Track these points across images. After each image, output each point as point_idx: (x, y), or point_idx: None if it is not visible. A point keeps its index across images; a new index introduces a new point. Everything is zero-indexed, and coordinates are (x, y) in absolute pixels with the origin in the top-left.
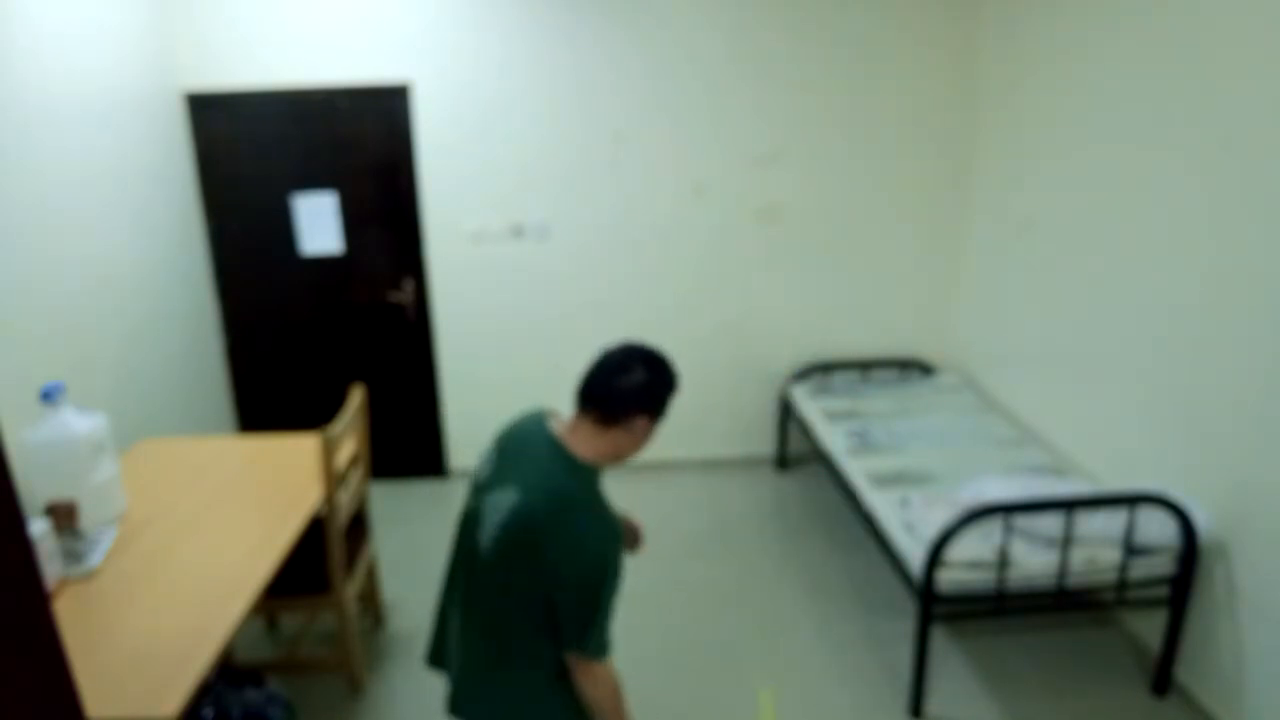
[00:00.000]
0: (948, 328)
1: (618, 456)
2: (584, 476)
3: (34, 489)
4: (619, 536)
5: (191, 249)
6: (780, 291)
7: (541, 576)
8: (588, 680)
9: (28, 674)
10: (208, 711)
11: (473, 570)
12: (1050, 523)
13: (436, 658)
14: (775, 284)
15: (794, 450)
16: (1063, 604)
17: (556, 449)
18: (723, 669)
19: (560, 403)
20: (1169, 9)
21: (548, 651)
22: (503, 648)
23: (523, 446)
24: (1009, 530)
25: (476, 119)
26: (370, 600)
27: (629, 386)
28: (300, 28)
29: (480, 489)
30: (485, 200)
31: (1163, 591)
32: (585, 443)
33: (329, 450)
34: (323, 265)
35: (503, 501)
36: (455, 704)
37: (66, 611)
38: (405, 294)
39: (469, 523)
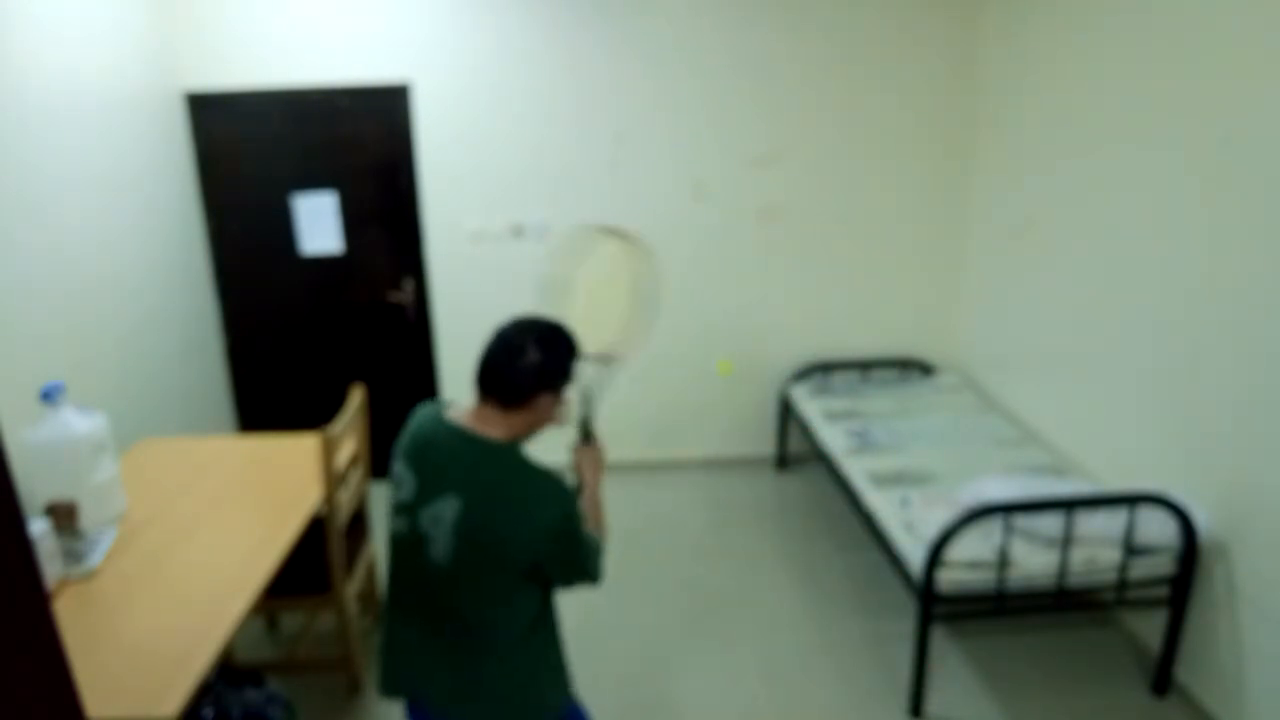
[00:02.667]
0: (948, 328)
1: (531, 432)
2: (507, 455)
3: (34, 489)
4: (562, 483)
5: (191, 249)
6: (780, 291)
7: (518, 554)
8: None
9: (28, 674)
10: (208, 711)
11: (433, 587)
12: (1050, 523)
13: (393, 685)
14: (775, 284)
15: (794, 450)
16: (1063, 604)
17: (469, 440)
18: (723, 669)
19: None
20: (1169, 10)
21: (525, 611)
22: (487, 638)
23: (437, 453)
24: (1009, 530)
25: (476, 119)
26: (370, 600)
27: (524, 369)
28: (300, 27)
29: (407, 507)
30: (485, 200)
31: (1163, 591)
32: (495, 427)
33: (329, 450)
34: (323, 265)
35: (444, 512)
36: (448, 715)
37: (66, 611)
38: (405, 294)
39: (408, 546)
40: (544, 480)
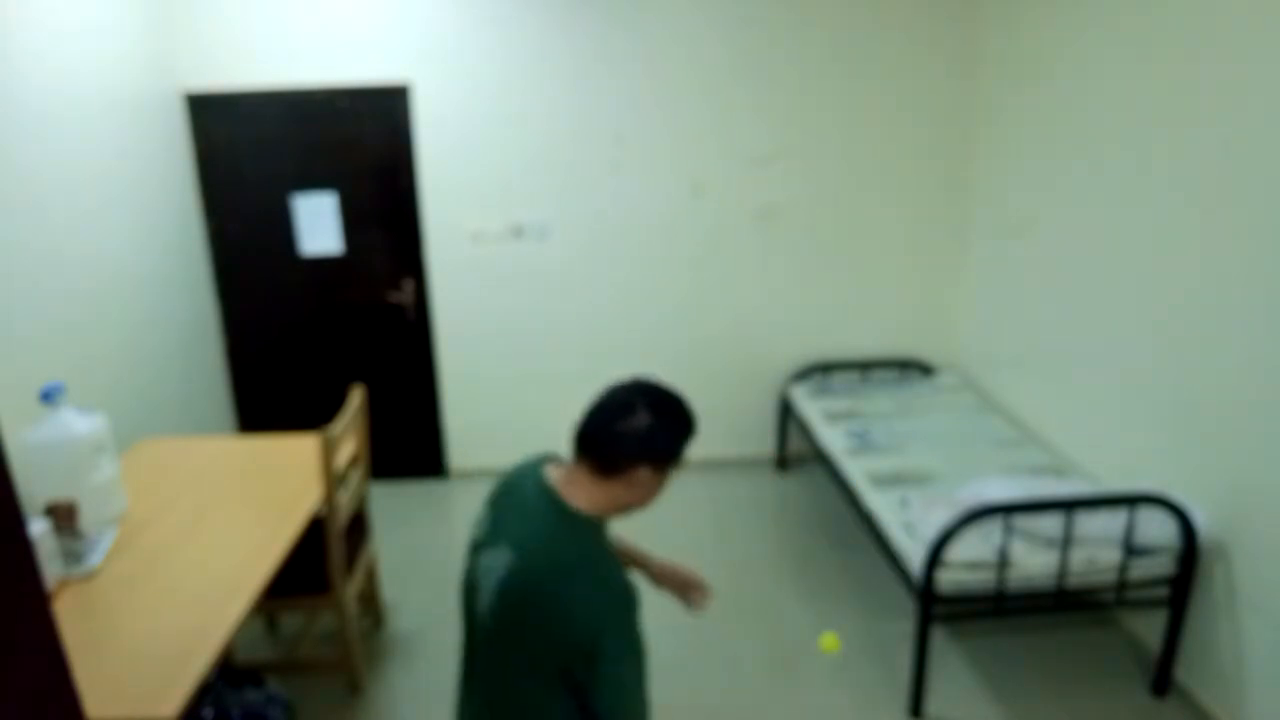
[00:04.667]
0: (948, 328)
1: (620, 509)
2: (581, 530)
3: (34, 489)
4: (627, 593)
5: (191, 249)
6: (780, 291)
7: (552, 646)
8: None
9: (28, 674)
10: (208, 711)
11: (476, 643)
12: (1050, 523)
13: None
14: (775, 284)
15: (794, 450)
16: (1063, 604)
17: (550, 499)
18: (723, 669)
19: (560, 403)
20: (1169, 10)
21: (559, 710)
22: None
23: (515, 499)
24: (1009, 531)
25: (476, 119)
26: (370, 600)
27: (629, 432)
28: (300, 28)
29: (476, 548)
30: (485, 200)
31: (1163, 592)
32: (582, 493)
33: (329, 450)
34: (323, 265)
35: (496, 562)
36: None
37: (66, 611)
38: (405, 294)
39: (469, 589)
40: (604, 575)
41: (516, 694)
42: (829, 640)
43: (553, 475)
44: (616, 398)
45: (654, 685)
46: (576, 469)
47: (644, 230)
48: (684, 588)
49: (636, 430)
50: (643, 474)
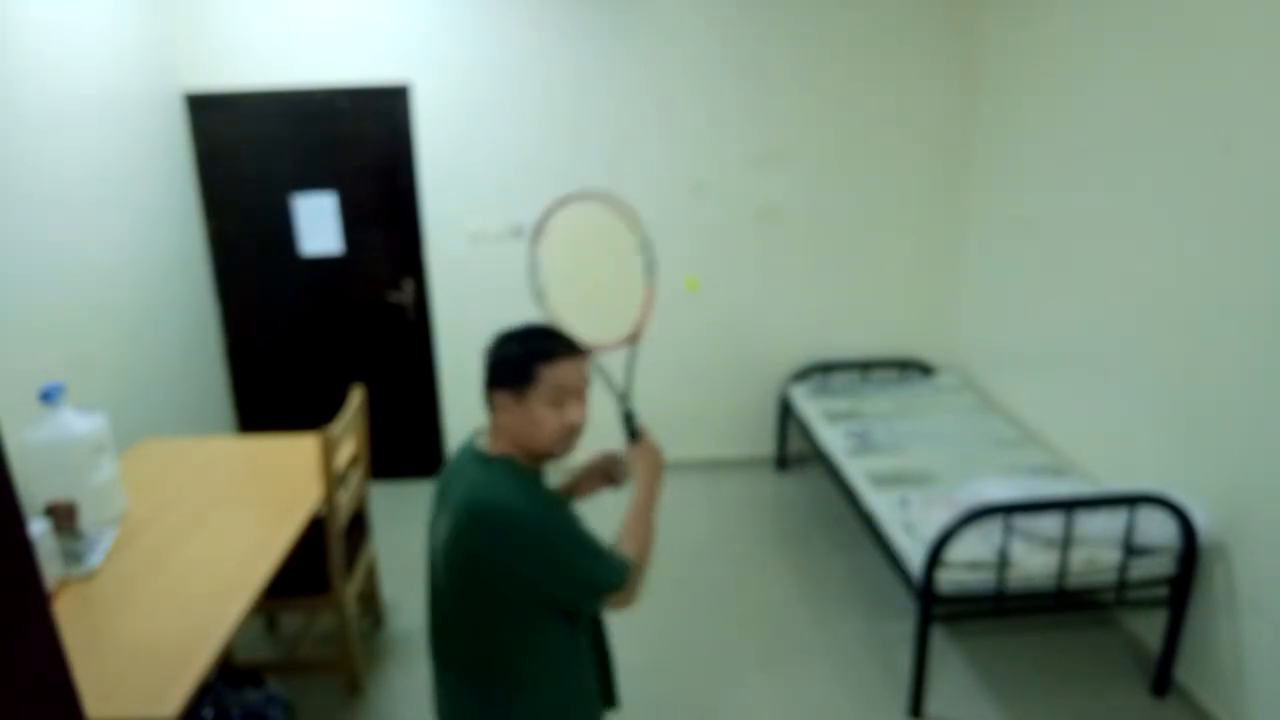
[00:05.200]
0: (948, 328)
1: (519, 443)
2: (496, 469)
3: (34, 489)
4: (545, 501)
5: (191, 249)
6: (780, 291)
7: (514, 583)
8: (625, 599)
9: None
10: (208, 711)
11: (435, 620)
12: (1050, 523)
13: None
14: (775, 284)
15: (794, 450)
16: (1063, 604)
17: (472, 456)
18: (722, 669)
19: None
20: (1169, 9)
21: (535, 652)
22: (488, 688)
23: (452, 472)
24: (1009, 531)
25: (476, 119)
26: (370, 600)
27: (488, 361)
28: (300, 28)
29: (429, 528)
30: (485, 200)
31: (1163, 592)
32: (491, 438)
33: (329, 450)
34: (323, 265)
35: (441, 531)
36: None
37: (66, 611)
38: (405, 294)
39: (427, 569)
40: (523, 495)
41: (492, 657)
42: (690, 281)
43: (479, 436)
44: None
45: (652, 685)
46: (489, 423)
47: (644, 230)
48: (603, 472)
49: (491, 356)
50: (501, 398)
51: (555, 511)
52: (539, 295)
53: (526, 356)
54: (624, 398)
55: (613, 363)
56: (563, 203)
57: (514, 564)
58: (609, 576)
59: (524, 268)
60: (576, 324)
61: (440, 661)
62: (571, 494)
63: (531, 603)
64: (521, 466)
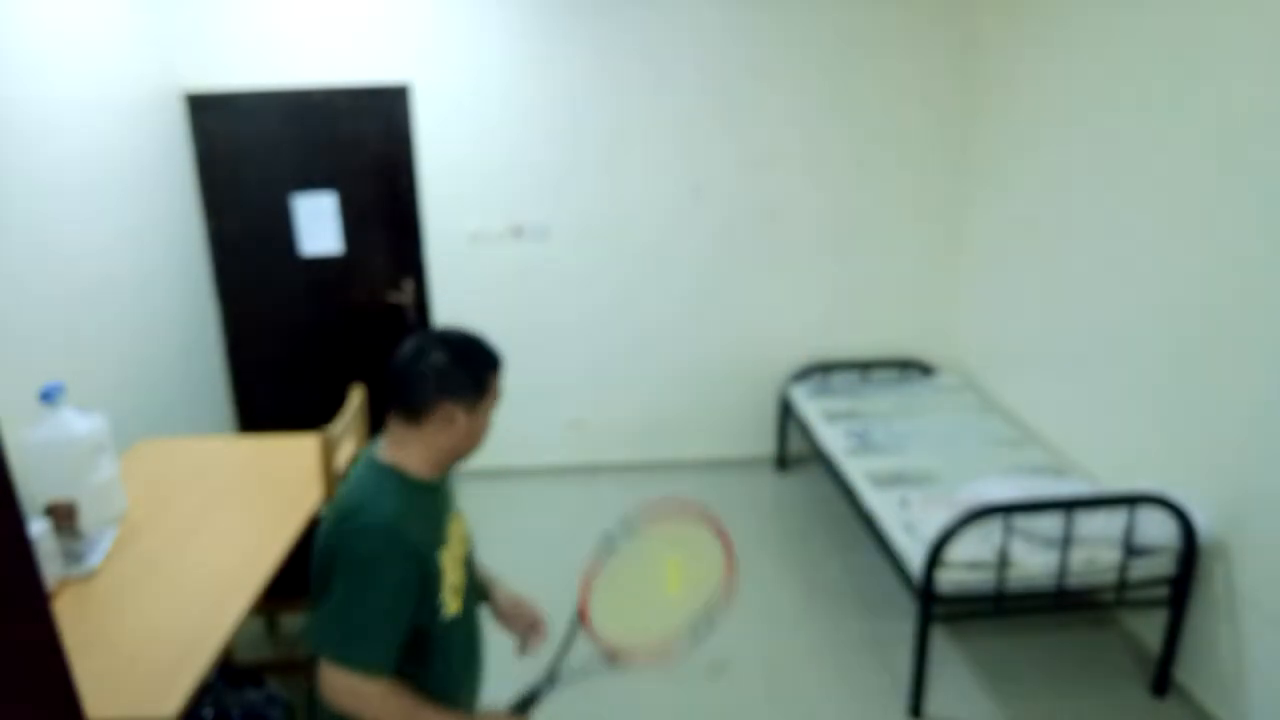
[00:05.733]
0: (948, 328)
1: (445, 455)
2: (376, 477)
3: (34, 489)
4: (397, 542)
5: (191, 249)
6: (780, 292)
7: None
8: (334, 691)
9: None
10: (208, 711)
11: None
12: (1050, 523)
13: None
14: (775, 284)
15: (794, 450)
16: (1062, 604)
17: (367, 460)
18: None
19: (557, 402)
20: (1170, 13)
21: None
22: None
23: (353, 464)
24: (1009, 530)
25: (476, 119)
26: None
27: (426, 371)
28: (300, 28)
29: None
30: (485, 200)
31: (1162, 592)
32: (403, 449)
33: (329, 450)
34: (323, 266)
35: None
36: None
37: (66, 611)
38: (405, 294)
39: None
40: (381, 509)
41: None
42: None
43: (380, 443)
44: (411, 344)
45: (652, 685)
46: (394, 428)
47: (644, 230)
48: (525, 629)
49: (434, 367)
50: (449, 411)
51: (398, 546)
52: (609, 544)
53: (479, 367)
54: (552, 680)
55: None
56: (703, 519)
57: (328, 565)
58: (360, 653)
59: (530, 271)
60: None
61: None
62: (485, 596)
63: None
64: (413, 483)
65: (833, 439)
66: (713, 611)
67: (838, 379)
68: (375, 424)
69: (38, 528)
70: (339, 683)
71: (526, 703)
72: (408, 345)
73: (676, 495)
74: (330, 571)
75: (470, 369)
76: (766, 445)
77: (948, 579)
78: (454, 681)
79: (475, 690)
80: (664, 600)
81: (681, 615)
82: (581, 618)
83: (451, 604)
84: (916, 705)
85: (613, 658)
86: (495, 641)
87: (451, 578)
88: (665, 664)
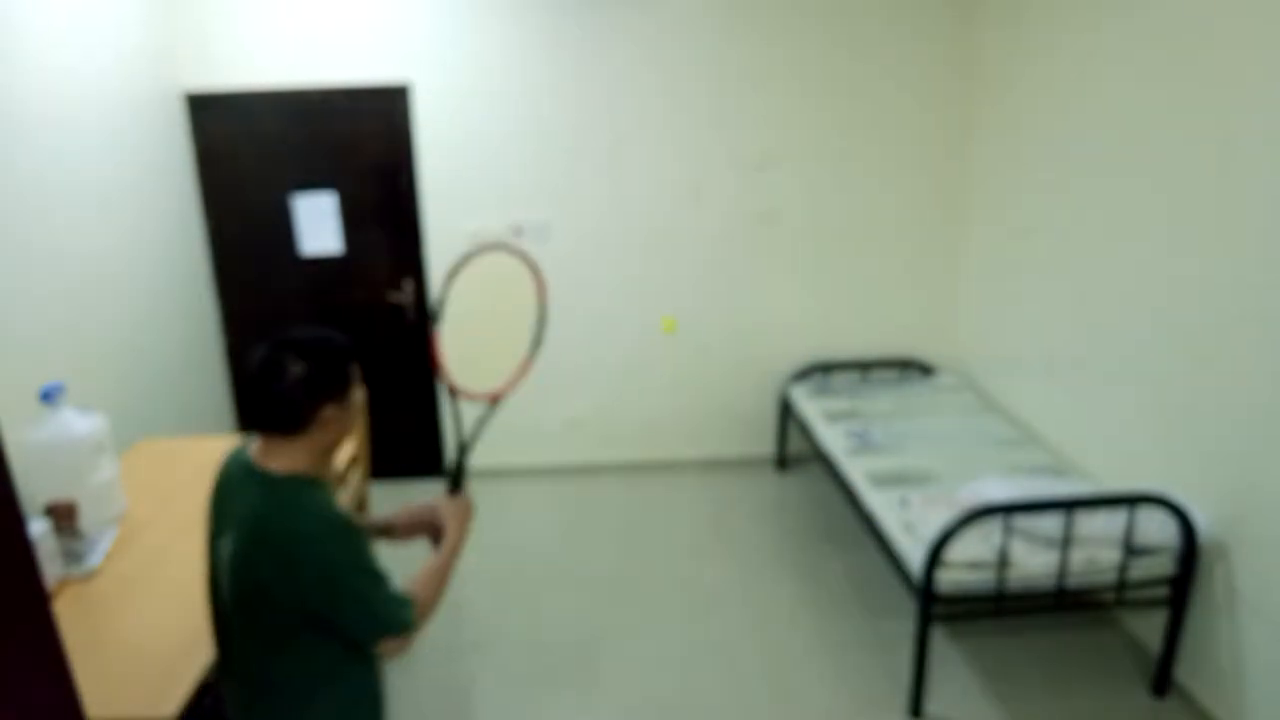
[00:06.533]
0: (947, 328)
1: (326, 452)
2: (284, 489)
3: (34, 489)
4: (343, 527)
5: (191, 249)
6: (780, 292)
7: (295, 601)
8: (401, 646)
9: (28, 675)
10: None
11: (224, 634)
12: (1050, 523)
13: None
14: (775, 285)
15: (794, 450)
16: (1063, 604)
17: (252, 474)
18: (722, 668)
19: (557, 401)
20: (1170, 13)
21: (309, 666)
22: (270, 695)
23: (228, 487)
24: (1009, 531)
25: (476, 119)
26: None
27: (293, 386)
28: (300, 28)
29: (210, 545)
30: (485, 200)
31: (1162, 592)
32: (284, 458)
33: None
34: (322, 265)
35: (224, 551)
36: None
37: (66, 611)
38: (405, 294)
39: (212, 586)
40: (313, 516)
41: (260, 671)
42: (667, 322)
43: (253, 452)
44: (263, 364)
45: (652, 685)
46: (268, 440)
47: (645, 231)
48: (428, 524)
49: (298, 380)
50: (330, 412)
51: (351, 534)
52: (435, 318)
53: (339, 362)
54: (464, 449)
55: (468, 411)
56: (488, 248)
57: (301, 587)
58: (396, 613)
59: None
60: (455, 362)
61: (230, 676)
62: (388, 532)
63: (317, 629)
64: (313, 481)
65: (833, 439)
66: (543, 320)
67: (838, 379)
68: (375, 424)
69: (38, 528)
70: (402, 642)
71: (456, 480)
72: (260, 362)
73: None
74: (269, 592)
75: (333, 367)
76: (766, 445)
77: (948, 579)
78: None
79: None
80: (503, 335)
81: (523, 336)
82: (451, 391)
83: None
84: (916, 705)
85: (492, 399)
86: None
87: None
88: (526, 377)
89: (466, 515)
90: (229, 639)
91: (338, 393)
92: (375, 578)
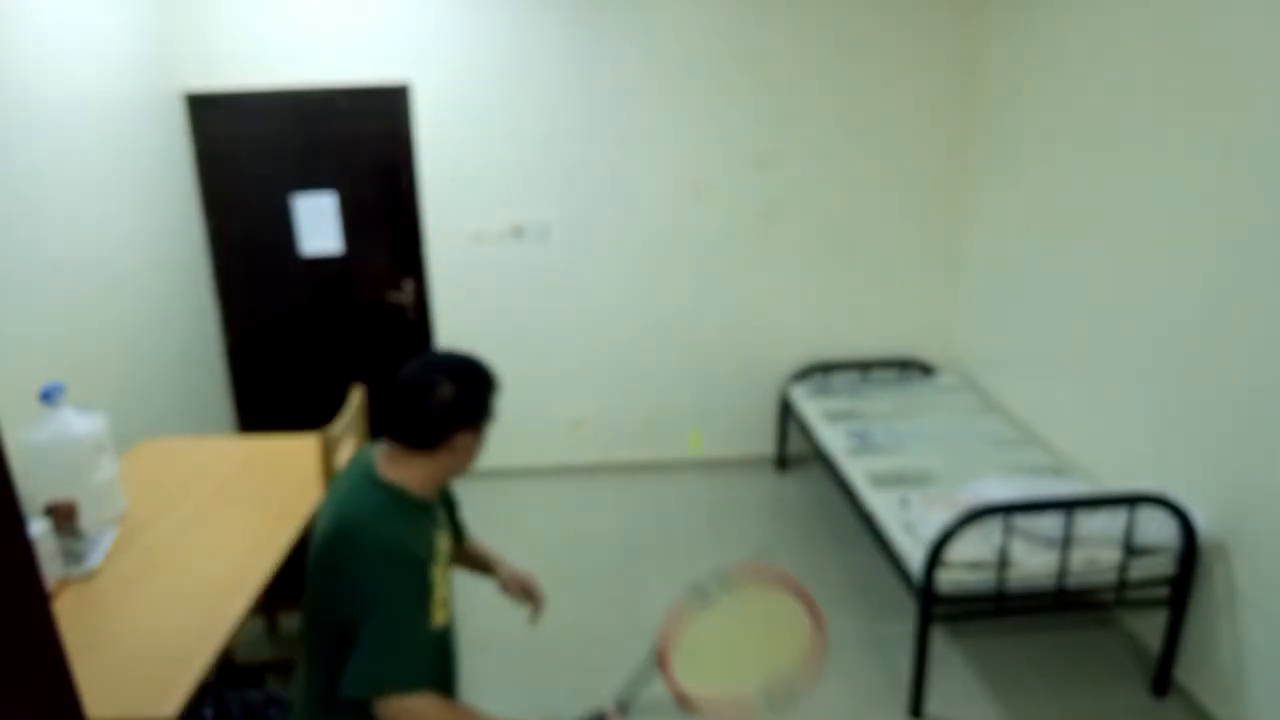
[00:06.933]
0: (948, 328)
1: (448, 476)
2: (381, 498)
3: (34, 489)
4: (407, 562)
5: (191, 249)
6: (780, 292)
7: (340, 601)
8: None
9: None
10: (208, 711)
11: (307, 612)
12: (1050, 523)
13: None
14: (776, 284)
15: (794, 450)
16: (1063, 604)
17: (365, 470)
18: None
19: (557, 401)
20: (1170, 11)
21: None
22: (325, 692)
23: (345, 476)
24: (1009, 530)
25: (476, 119)
26: None
27: (438, 407)
28: (300, 28)
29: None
30: (485, 200)
31: (1162, 592)
32: (405, 470)
33: (329, 450)
34: (323, 265)
35: (317, 529)
36: None
37: (66, 611)
38: (405, 294)
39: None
40: (386, 536)
41: (322, 649)
42: (695, 440)
43: (379, 454)
44: (415, 378)
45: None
46: (394, 450)
47: (645, 230)
48: (528, 597)
49: (445, 402)
50: (464, 439)
51: (412, 570)
52: (700, 594)
53: (485, 393)
54: (622, 709)
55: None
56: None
57: (342, 595)
58: (398, 672)
59: (530, 271)
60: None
61: (306, 652)
62: (490, 569)
63: (342, 632)
64: (414, 503)
65: (833, 439)
66: (794, 685)
67: (838, 379)
68: (375, 424)
69: (38, 528)
70: (397, 711)
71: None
72: (411, 377)
73: (773, 564)
74: (335, 585)
75: (478, 396)
76: (766, 445)
77: (948, 579)
78: (436, 689)
79: (452, 696)
80: (744, 661)
81: (761, 679)
82: (661, 660)
83: (439, 616)
84: (916, 705)
85: (685, 704)
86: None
87: (440, 591)
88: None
89: None
90: (307, 619)
91: (476, 422)
92: (409, 624)
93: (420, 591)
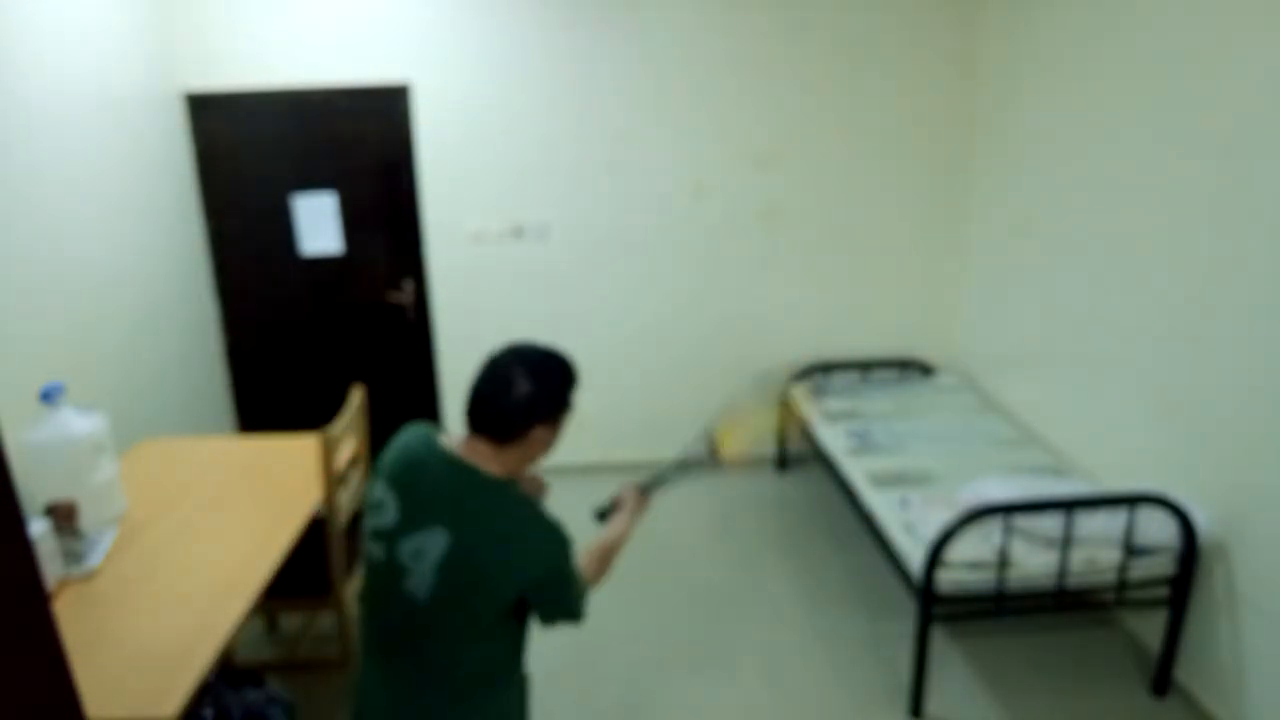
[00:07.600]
0: (948, 328)
1: (527, 465)
2: (505, 494)
3: (34, 489)
4: (558, 528)
5: (191, 249)
6: (780, 291)
7: (504, 591)
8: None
9: (28, 674)
10: (208, 711)
11: (404, 623)
12: (1050, 523)
13: None
14: (775, 284)
15: (794, 450)
16: (1062, 604)
17: (465, 473)
18: (723, 668)
19: None
20: (1169, 10)
21: (497, 656)
22: (452, 682)
23: (425, 482)
24: (1009, 530)
25: (476, 119)
26: None
27: (517, 403)
28: (300, 28)
29: (387, 535)
30: (485, 200)
31: (1162, 592)
32: (489, 460)
33: (329, 450)
34: (323, 265)
35: (429, 545)
36: None
37: (66, 611)
38: (405, 294)
39: (383, 576)
40: (540, 522)
41: (449, 659)
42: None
43: (455, 449)
44: (496, 373)
45: (652, 685)
46: (475, 441)
47: (645, 230)
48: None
49: (523, 399)
50: (539, 433)
51: (568, 541)
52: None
53: (566, 388)
54: (677, 468)
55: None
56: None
57: (519, 582)
58: (580, 608)
59: (530, 271)
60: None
61: (374, 647)
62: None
63: (514, 616)
64: (516, 485)
65: (833, 439)
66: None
67: (838, 379)
68: (375, 424)
69: (38, 528)
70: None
71: (650, 485)
72: (493, 373)
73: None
74: (483, 578)
75: (559, 392)
76: (766, 445)
77: (948, 579)
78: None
79: None
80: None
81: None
82: (716, 452)
83: None
84: (916, 705)
85: (713, 459)
86: None
87: None
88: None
89: (643, 509)
90: (404, 628)
91: (553, 416)
92: (575, 579)
93: (572, 550)
